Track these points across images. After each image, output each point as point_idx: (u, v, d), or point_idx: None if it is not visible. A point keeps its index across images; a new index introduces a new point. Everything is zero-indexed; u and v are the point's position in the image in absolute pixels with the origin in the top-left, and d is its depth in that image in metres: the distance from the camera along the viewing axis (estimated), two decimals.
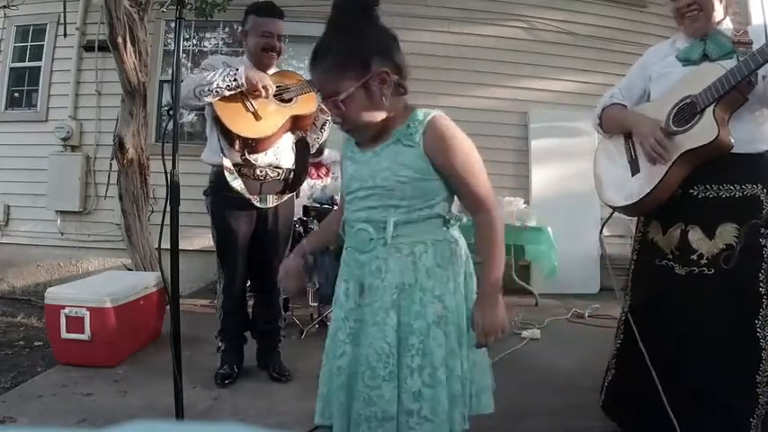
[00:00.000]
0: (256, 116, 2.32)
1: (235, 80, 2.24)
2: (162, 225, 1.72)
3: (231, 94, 2.27)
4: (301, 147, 2.56)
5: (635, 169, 1.81)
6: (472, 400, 1.28)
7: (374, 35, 1.19)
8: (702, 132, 1.62)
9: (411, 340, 1.19)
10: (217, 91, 2.24)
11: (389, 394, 1.17)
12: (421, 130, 1.19)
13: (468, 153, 1.21)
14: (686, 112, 1.67)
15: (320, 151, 3.69)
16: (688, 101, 1.67)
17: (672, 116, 1.72)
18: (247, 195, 2.35)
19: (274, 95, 2.36)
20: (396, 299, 1.20)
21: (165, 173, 1.75)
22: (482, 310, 1.20)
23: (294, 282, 1.42)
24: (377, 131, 1.23)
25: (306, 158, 2.62)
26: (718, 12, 1.75)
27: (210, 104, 2.30)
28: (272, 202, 2.43)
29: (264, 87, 2.28)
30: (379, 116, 1.20)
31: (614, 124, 1.94)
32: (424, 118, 1.20)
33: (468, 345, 1.25)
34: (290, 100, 2.39)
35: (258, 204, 2.39)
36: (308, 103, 2.41)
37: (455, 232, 1.29)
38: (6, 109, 5.42)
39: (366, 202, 1.23)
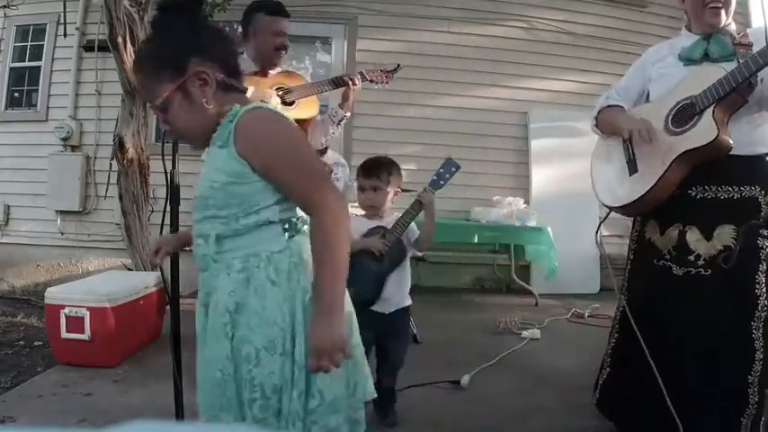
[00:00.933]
0: None
1: None
2: (162, 225, 1.72)
3: None
4: None
5: (632, 169, 1.81)
6: None
7: (193, 34, 1.11)
8: (701, 133, 1.62)
9: (243, 369, 1.06)
10: None
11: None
12: (232, 127, 1.06)
13: (287, 147, 1.08)
14: (686, 113, 1.68)
15: (323, 150, 3.68)
16: (688, 102, 1.67)
17: (671, 117, 1.72)
18: None
19: (277, 95, 2.36)
20: (227, 322, 1.07)
21: (165, 173, 1.75)
22: (312, 329, 1.02)
23: (160, 257, 1.34)
24: (207, 135, 1.12)
25: None
26: (731, 14, 1.76)
27: None
28: None
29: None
30: (204, 119, 1.10)
31: (608, 126, 1.95)
32: (236, 113, 1.08)
33: (312, 378, 1.07)
34: (291, 103, 2.39)
35: None
36: (308, 107, 2.42)
37: (300, 240, 1.12)
38: (6, 109, 5.41)
39: (196, 214, 1.13)
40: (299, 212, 1.13)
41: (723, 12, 1.74)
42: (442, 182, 2.04)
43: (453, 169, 2.05)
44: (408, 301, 2.07)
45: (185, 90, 1.09)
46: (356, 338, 1.21)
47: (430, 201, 2.01)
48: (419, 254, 2.08)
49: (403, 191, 2.16)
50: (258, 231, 1.09)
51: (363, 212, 2.13)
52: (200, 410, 1.12)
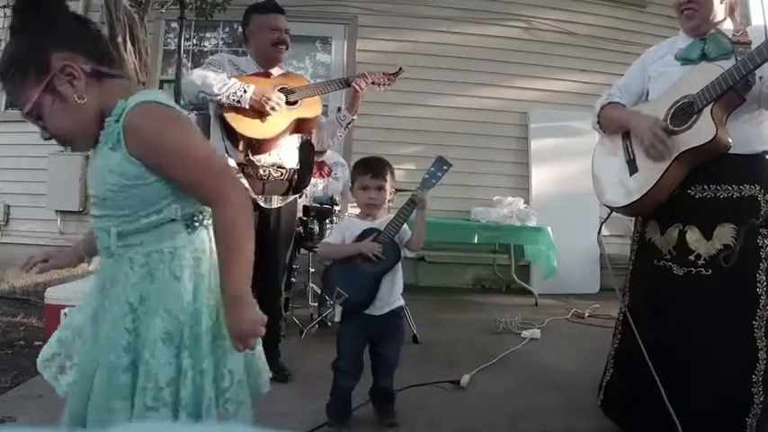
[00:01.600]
0: (261, 117, 2.32)
1: (239, 102, 2.24)
2: None
3: None
4: (307, 148, 2.56)
5: (633, 169, 1.81)
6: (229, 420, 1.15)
7: (50, 28, 1.03)
8: (700, 132, 1.62)
9: (145, 356, 1.06)
10: (220, 104, 2.27)
11: (121, 415, 1.06)
12: (119, 127, 1.02)
13: (181, 144, 1.04)
14: (684, 112, 1.68)
15: (323, 151, 3.68)
16: (686, 101, 1.67)
17: (670, 116, 1.72)
18: (252, 195, 2.35)
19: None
20: (127, 313, 1.07)
21: None
22: (230, 317, 1.07)
23: (39, 268, 1.32)
24: (93, 134, 1.07)
25: (311, 160, 2.62)
26: (718, 12, 1.75)
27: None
28: (276, 202, 2.43)
29: (273, 108, 2.28)
30: (83, 117, 1.05)
31: (613, 123, 1.94)
32: (122, 112, 1.02)
33: (222, 362, 1.12)
34: (294, 103, 2.39)
35: (263, 204, 2.39)
36: (312, 107, 2.42)
37: (203, 234, 1.15)
38: (6, 109, 5.41)
39: (96, 210, 1.12)
40: (202, 207, 1.13)
41: (698, 14, 1.74)
42: (434, 180, 2.03)
43: (445, 168, 2.04)
44: (401, 302, 2.07)
45: (54, 89, 1.03)
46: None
47: (425, 201, 2.00)
48: (410, 255, 2.07)
49: (397, 190, 2.15)
50: (160, 229, 1.08)
51: (356, 213, 2.12)
52: (75, 394, 1.14)
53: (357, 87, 2.43)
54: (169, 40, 5.29)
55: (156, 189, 1.06)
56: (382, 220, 2.03)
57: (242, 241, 1.07)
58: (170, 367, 1.06)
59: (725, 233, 1.67)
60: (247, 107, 2.25)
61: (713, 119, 1.59)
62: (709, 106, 1.60)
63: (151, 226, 1.08)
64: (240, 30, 2.57)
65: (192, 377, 1.07)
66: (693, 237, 1.73)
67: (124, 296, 1.08)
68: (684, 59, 1.79)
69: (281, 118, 2.34)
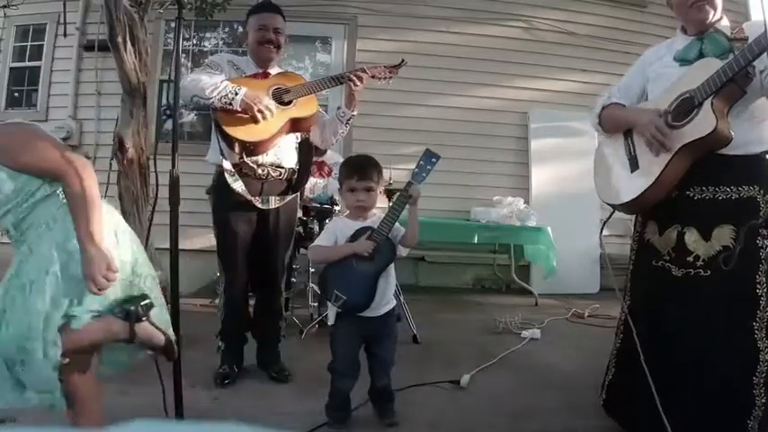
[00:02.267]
0: (255, 119, 2.30)
1: (230, 104, 2.24)
2: (150, 224, 1.79)
3: None
4: (306, 148, 2.56)
5: (634, 166, 1.81)
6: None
7: None
8: (700, 124, 1.61)
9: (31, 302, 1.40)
10: (214, 107, 2.27)
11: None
12: None
13: (12, 146, 1.42)
14: (685, 107, 1.67)
15: (326, 150, 3.68)
16: (687, 96, 1.67)
17: (671, 112, 1.71)
18: (248, 197, 2.34)
19: (273, 97, 2.35)
20: (54, 261, 1.41)
21: (156, 173, 1.78)
22: (82, 264, 1.39)
23: None
24: None
25: (310, 159, 2.61)
26: (719, 9, 1.76)
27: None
28: (274, 203, 2.42)
29: (260, 112, 2.25)
30: None
31: (614, 123, 1.94)
32: None
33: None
34: (289, 102, 2.37)
35: (260, 206, 2.38)
36: (307, 106, 2.39)
37: None
38: (6, 109, 5.41)
39: None
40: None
41: (708, 6, 1.74)
42: (424, 174, 2.01)
43: (433, 159, 2.02)
44: (394, 301, 2.07)
45: None
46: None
47: (418, 194, 1.98)
48: (404, 253, 2.05)
49: (396, 191, 2.14)
50: (45, 202, 1.45)
51: (347, 213, 2.11)
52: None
53: (352, 84, 2.40)
54: (169, 40, 5.28)
55: (24, 180, 1.42)
56: (373, 219, 2.02)
57: (83, 207, 1.40)
58: (46, 296, 1.39)
59: (724, 234, 1.67)
60: (239, 110, 2.24)
61: (714, 111, 1.58)
62: (710, 99, 1.59)
63: (36, 202, 1.44)
64: (240, 28, 2.58)
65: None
66: (692, 238, 1.72)
67: (47, 250, 1.41)
68: (683, 60, 1.78)
69: (274, 119, 2.31)
